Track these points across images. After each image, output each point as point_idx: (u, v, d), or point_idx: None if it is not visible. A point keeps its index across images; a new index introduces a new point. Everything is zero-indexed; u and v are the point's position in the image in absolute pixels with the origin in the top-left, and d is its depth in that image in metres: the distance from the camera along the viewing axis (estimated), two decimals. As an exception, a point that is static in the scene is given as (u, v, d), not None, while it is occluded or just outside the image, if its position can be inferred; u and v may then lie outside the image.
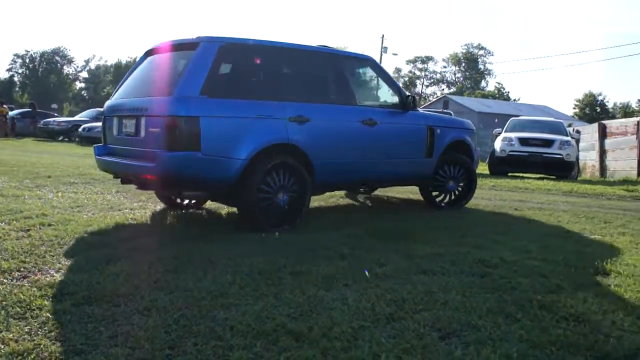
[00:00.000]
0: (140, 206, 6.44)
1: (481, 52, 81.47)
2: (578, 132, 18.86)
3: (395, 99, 6.65)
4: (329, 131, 5.77)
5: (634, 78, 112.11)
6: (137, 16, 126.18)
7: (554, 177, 14.39)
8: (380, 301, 3.21)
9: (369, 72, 6.96)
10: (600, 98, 66.48)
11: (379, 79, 6.82)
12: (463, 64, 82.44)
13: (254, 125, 5.15)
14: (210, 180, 5.00)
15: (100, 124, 19.96)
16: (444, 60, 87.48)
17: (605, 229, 6.12)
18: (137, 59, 6.26)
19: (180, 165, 4.80)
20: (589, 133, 18.49)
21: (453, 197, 7.32)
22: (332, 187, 6.37)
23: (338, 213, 6.71)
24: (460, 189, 7.32)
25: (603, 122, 18.48)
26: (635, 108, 64.29)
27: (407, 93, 6.70)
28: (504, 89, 73.24)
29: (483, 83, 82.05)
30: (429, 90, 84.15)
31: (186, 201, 6.56)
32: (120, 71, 66.27)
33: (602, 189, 11.07)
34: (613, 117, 61.02)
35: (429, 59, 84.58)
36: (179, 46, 5.54)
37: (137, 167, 5.12)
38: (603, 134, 17.72)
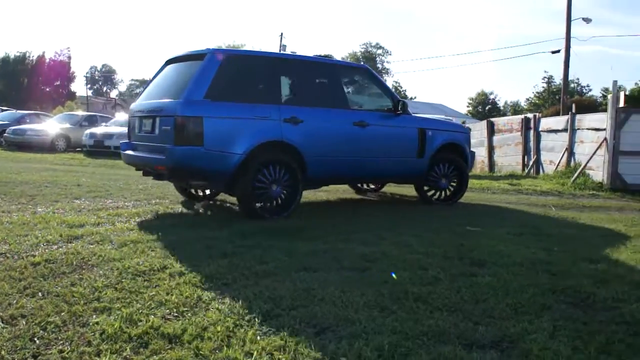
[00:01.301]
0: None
1: (379, 51, 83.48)
2: (469, 129, 19.98)
3: (388, 104, 7.33)
4: (321, 131, 6.49)
5: (523, 78, 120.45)
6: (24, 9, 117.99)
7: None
8: (258, 299, 3.24)
9: (364, 80, 7.70)
10: (492, 97, 70.23)
11: (373, 85, 7.50)
12: (362, 63, 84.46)
13: (251, 125, 5.95)
14: (212, 171, 5.80)
15: (26, 126, 20.92)
16: (343, 58, 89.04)
17: (486, 222, 6.52)
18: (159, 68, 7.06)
19: (185, 158, 5.63)
20: (479, 130, 19.59)
21: (445, 194, 7.98)
22: (324, 182, 7.08)
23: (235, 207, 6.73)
24: (452, 186, 7.99)
25: (491, 119, 19.69)
26: (524, 106, 68.61)
27: (399, 98, 7.33)
28: (401, 87, 75.69)
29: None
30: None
31: (201, 193, 7.43)
32: (8, 68, 60.99)
33: (488, 184, 11.81)
34: (504, 115, 64.92)
35: (328, 57, 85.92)
36: (191, 56, 6.39)
37: (152, 159, 5.95)
38: (491, 130, 18.86)
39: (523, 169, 16.73)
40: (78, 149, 19.80)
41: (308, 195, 8.56)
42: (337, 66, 7.19)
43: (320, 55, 7.39)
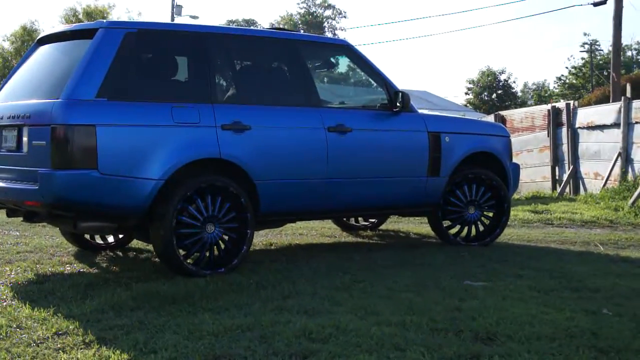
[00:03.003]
0: None
1: (328, 12, 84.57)
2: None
3: (381, 97, 7.52)
4: (278, 142, 6.66)
5: (550, 47, 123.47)
6: None
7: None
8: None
9: (344, 63, 7.89)
10: (503, 77, 71.78)
11: (358, 70, 7.69)
12: (302, 31, 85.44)
13: (171, 135, 6.06)
14: (112, 207, 5.88)
15: None
16: (272, 25, 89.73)
17: (496, 272, 6.64)
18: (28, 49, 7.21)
19: (70, 188, 5.64)
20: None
21: (477, 230, 8.12)
22: (287, 218, 7.31)
23: (95, 266, 6.69)
24: (486, 218, 8.23)
25: (502, 112, 20.15)
26: (554, 89, 70.02)
27: (398, 88, 7.37)
28: (362, 66, 76.99)
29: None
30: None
31: (103, 240, 7.58)
32: None
33: (499, 211, 12.05)
34: (523, 104, 66.55)
35: (250, 24, 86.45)
36: (75, 33, 6.43)
37: (18, 191, 5.95)
38: (503, 129, 19.36)
39: (553, 187, 17.15)
40: None
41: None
42: (301, 43, 7.36)
43: (276, 29, 7.54)
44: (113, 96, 5.86)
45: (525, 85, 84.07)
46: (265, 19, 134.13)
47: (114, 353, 4.03)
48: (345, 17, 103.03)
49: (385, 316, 4.82)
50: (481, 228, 8.30)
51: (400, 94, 7.38)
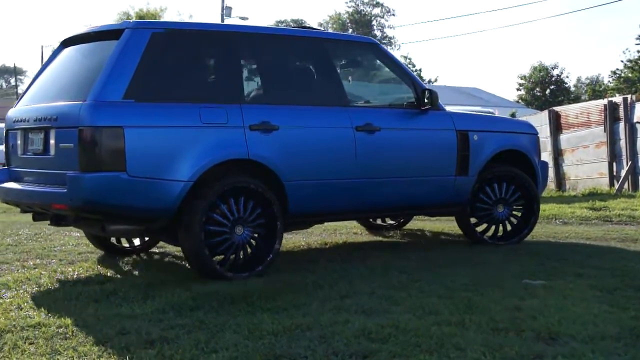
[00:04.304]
0: None
1: (377, 10, 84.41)
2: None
3: (408, 95, 7.50)
4: (306, 143, 6.66)
5: (604, 40, 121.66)
6: None
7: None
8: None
9: (371, 61, 7.88)
10: (555, 72, 70.97)
11: (385, 68, 7.66)
12: (350, 31, 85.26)
13: (199, 136, 6.06)
14: (141, 209, 5.87)
15: None
16: (320, 25, 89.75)
17: (556, 270, 6.56)
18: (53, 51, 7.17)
19: (98, 191, 5.63)
20: (538, 126, 19.82)
21: (505, 229, 8.16)
22: (315, 219, 7.27)
23: (156, 268, 6.80)
24: (515, 216, 8.17)
25: (556, 108, 19.93)
26: (609, 84, 68.81)
27: (425, 86, 7.36)
28: (412, 65, 76.37)
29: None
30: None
31: (129, 244, 7.59)
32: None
33: (555, 209, 11.89)
34: (576, 99, 65.62)
35: (299, 23, 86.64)
36: (101, 34, 6.40)
37: (45, 195, 5.99)
38: (557, 126, 19.08)
39: (611, 184, 16.90)
40: None
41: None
42: (328, 42, 7.36)
43: (299, 25, 7.62)
44: (140, 97, 5.88)
45: (578, 80, 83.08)
46: (314, 19, 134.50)
47: (176, 352, 4.08)
48: (393, 14, 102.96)
49: (444, 316, 4.81)
50: (507, 227, 8.22)
51: (428, 91, 7.36)
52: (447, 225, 9.76)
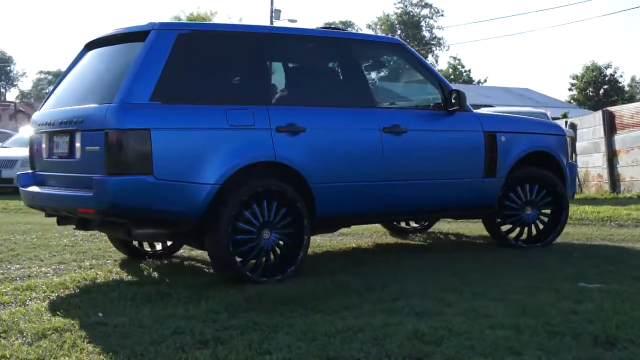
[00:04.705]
0: None
1: (425, 11, 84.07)
2: (573, 126, 19.86)
3: (435, 96, 7.44)
4: (333, 144, 6.58)
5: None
6: None
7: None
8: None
9: (396, 61, 7.84)
10: (609, 72, 69.95)
11: (411, 69, 7.62)
12: (399, 32, 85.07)
13: (226, 139, 6.01)
14: (167, 213, 5.84)
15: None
16: (369, 27, 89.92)
17: (612, 274, 6.47)
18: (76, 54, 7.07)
19: (125, 194, 5.59)
20: (591, 127, 19.49)
21: (529, 231, 8.08)
22: (342, 222, 7.22)
23: (209, 269, 6.80)
24: (544, 218, 8.11)
25: (610, 108, 19.61)
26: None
27: (453, 87, 7.30)
28: (462, 66, 75.88)
29: (431, 59, 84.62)
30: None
31: (150, 247, 7.54)
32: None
33: (610, 211, 11.71)
34: (631, 99, 64.59)
35: (347, 25, 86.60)
36: (126, 36, 6.36)
37: (71, 198, 5.93)
38: (611, 126, 18.80)
39: (668, 186, 16.63)
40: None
41: (322, 240, 8.62)
42: (355, 42, 7.31)
43: (329, 26, 7.57)
44: (167, 99, 5.83)
45: (632, 79, 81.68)
46: (362, 21, 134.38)
47: (230, 353, 4.10)
48: (442, 15, 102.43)
49: (498, 319, 4.77)
50: (533, 230, 8.13)
51: (455, 92, 7.27)
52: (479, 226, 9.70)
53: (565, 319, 4.77)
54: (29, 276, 6.56)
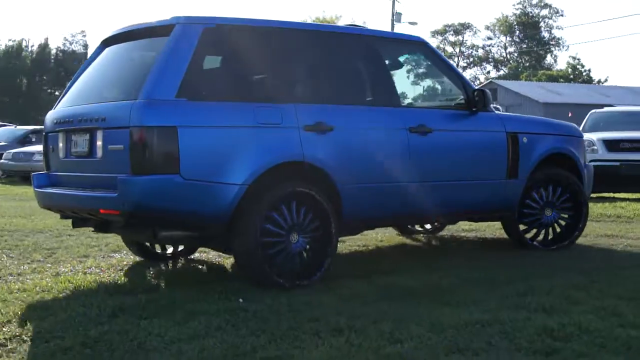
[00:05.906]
0: None
1: (545, 12, 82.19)
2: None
3: (459, 96, 7.26)
4: (361, 144, 6.34)
5: None
6: None
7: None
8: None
9: (421, 61, 7.66)
10: None
11: (435, 69, 7.49)
12: (517, 33, 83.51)
13: (254, 137, 5.73)
14: (195, 214, 5.53)
15: (33, 148, 21.09)
16: (488, 28, 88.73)
17: None
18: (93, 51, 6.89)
19: (151, 195, 5.32)
20: None
21: (546, 233, 7.88)
22: (367, 225, 7.02)
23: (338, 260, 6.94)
24: (563, 221, 7.89)
25: None
26: None
27: (475, 87, 7.20)
28: (582, 66, 73.88)
29: (549, 59, 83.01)
30: (467, 74, 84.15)
31: (170, 249, 7.15)
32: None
33: None
34: None
35: (466, 27, 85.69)
36: (148, 31, 6.13)
37: (92, 200, 5.63)
38: None
39: None
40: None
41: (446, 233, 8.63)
42: (379, 40, 7.14)
43: (353, 26, 7.25)
44: (193, 96, 5.55)
45: None
46: (481, 22, 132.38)
47: (364, 341, 4.20)
48: (562, 15, 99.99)
49: (628, 318, 4.72)
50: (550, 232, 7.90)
51: (479, 92, 7.06)
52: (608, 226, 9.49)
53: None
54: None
